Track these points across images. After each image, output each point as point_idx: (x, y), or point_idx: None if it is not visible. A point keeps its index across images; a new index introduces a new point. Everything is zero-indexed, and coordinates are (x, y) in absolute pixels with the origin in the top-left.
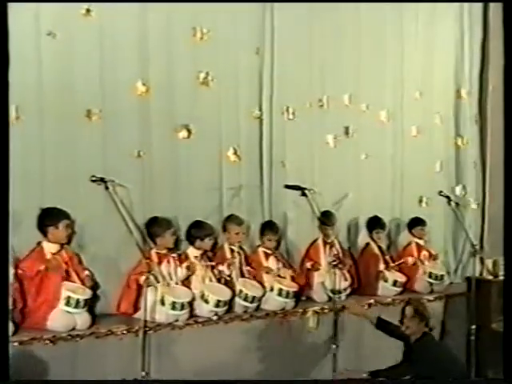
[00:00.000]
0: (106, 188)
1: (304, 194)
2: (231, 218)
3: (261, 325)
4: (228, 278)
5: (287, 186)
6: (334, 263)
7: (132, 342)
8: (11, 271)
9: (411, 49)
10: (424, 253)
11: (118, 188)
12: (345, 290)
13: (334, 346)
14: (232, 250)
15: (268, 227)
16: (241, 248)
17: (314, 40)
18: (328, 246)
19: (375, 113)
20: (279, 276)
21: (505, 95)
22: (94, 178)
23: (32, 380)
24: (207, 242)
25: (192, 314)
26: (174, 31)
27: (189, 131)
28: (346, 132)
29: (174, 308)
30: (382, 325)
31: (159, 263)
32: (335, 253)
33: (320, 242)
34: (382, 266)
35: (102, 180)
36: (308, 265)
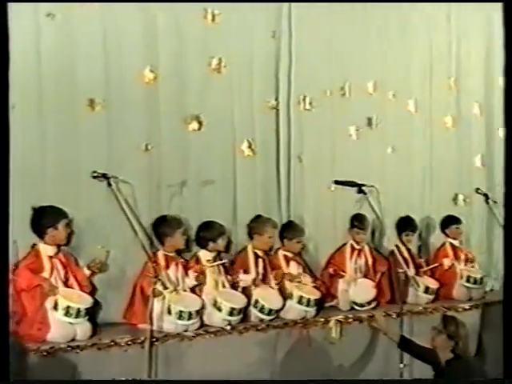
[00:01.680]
0: (109, 185)
1: (361, 192)
2: (264, 220)
3: (278, 335)
4: (247, 286)
5: (338, 182)
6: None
7: (138, 354)
8: None
9: (441, 32)
10: (460, 254)
11: (122, 185)
12: (369, 302)
13: (401, 365)
14: (256, 256)
15: (291, 228)
16: (265, 253)
17: (336, 22)
18: (356, 252)
19: (402, 101)
20: (299, 282)
21: (505, 95)
22: (95, 174)
23: (32, 380)
24: (221, 243)
25: (203, 324)
26: (184, 13)
27: (199, 123)
28: (370, 123)
29: (180, 317)
30: (405, 345)
31: (167, 267)
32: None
33: (348, 246)
34: (412, 271)
35: (105, 176)
36: (331, 270)
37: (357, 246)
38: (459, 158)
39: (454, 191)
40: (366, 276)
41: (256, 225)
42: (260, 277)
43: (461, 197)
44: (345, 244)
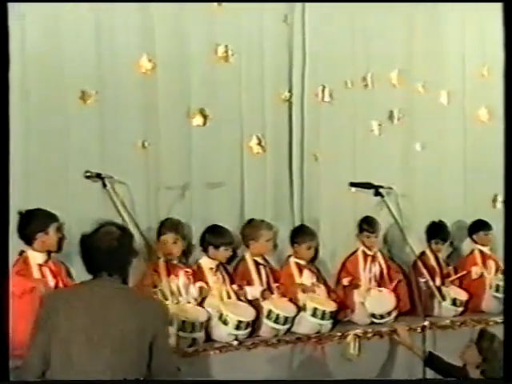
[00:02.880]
0: (104, 186)
1: (379, 194)
2: (257, 223)
3: (291, 351)
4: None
5: (353, 184)
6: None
7: None
8: None
9: (472, 16)
10: (490, 263)
11: (118, 185)
12: (389, 313)
13: None
14: (257, 263)
15: (303, 233)
16: (265, 260)
17: (356, 6)
18: (370, 259)
19: (433, 93)
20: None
21: (505, 95)
22: (88, 174)
23: (32, 380)
24: (222, 252)
25: (208, 338)
26: None
27: (204, 117)
28: (396, 117)
29: (184, 330)
30: (432, 361)
31: (168, 275)
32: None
33: (359, 253)
34: (438, 281)
35: (99, 176)
36: (345, 281)
37: (369, 252)
38: (497, 154)
39: (493, 192)
40: (380, 285)
41: (249, 231)
42: (265, 286)
43: (500, 198)
44: (355, 251)
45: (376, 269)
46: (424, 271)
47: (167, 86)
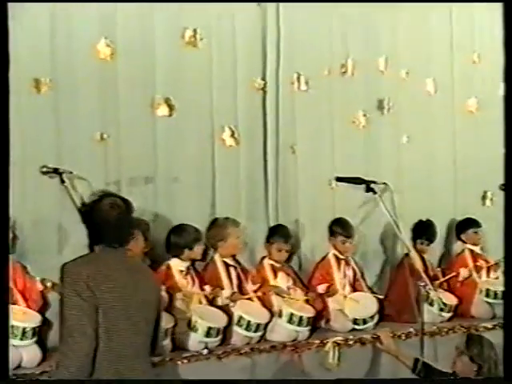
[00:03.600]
0: (62, 182)
1: (370, 190)
2: (222, 222)
3: (265, 360)
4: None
5: (340, 179)
6: None
7: None
8: None
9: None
10: (481, 263)
11: (77, 181)
12: (372, 317)
13: None
14: (226, 264)
15: (278, 233)
16: (236, 261)
17: None
18: (343, 263)
19: (418, 81)
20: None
21: (505, 95)
22: (45, 169)
23: (32, 380)
24: (197, 250)
25: (175, 347)
26: None
27: (170, 107)
28: (380, 107)
29: None
30: (420, 370)
31: None
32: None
33: (331, 258)
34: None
35: (56, 171)
36: (320, 289)
37: (341, 256)
38: (488, 148)
39: (482, 188)
40: (355, 290)
41: (215, 232)
42: (235, 289)
43: (489, 195)
44: (325, 256)
45: (350, 273)
46: (423, 275)
47: (128, 73)
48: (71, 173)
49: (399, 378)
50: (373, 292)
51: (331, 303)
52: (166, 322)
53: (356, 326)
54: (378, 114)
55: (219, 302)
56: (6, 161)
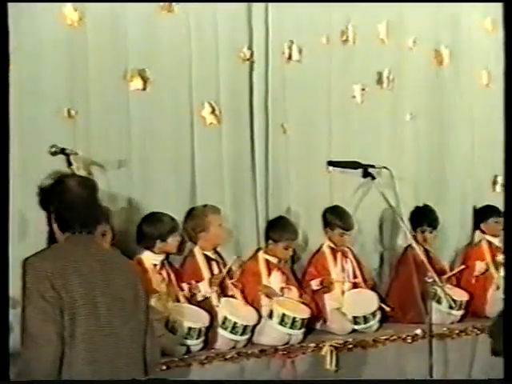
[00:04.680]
0: (69, 164)
1: (368, 175)
2: (200, 211)
3: (253, 366)
4: (206, 297)
5: (333, 163)
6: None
7: None
8: None
9: None
10: (500, 258)
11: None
12: (374, 315)
13: None
14: (208, 258)
15: (280, 227)
16: (218, 254)
17: None
18: (340, 255)
19: (426, 51)
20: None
21: (505, 95)
22: (54, 150)
23: (32, 380)
24: (171, 242)
25: None
26: None
27: (144, 80)
28: (381, 80)
29: None
30: None
31: None
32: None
33: (326, 249)
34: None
35: (63, 152)
36: (314, 285)
37: (337, 248)
38: (498, 125)
39: (493, 172)
40: (355, 286)
41: (193, 223)
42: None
43: (500, 180)
44: (321, 247)
45: (348, 266)
46: (429, 268)
47: (98, 41)
48: (76, 154)
49: None
50: (373, 289)
51: (328, 301)
52: None
53: (356, 326)
54: (379, 87)
55: (199, 297)
56: (6, 161)
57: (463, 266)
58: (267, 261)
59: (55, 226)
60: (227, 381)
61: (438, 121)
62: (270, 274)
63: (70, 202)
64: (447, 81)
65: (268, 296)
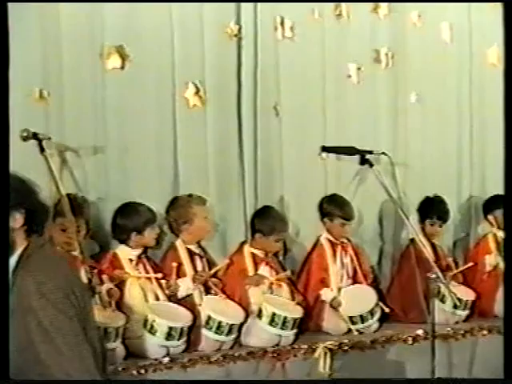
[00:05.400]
0: (42, 150)
1: (366, 162)
2: (185, 201)
3: (240, 370)
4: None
5: (327, 149)
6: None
7: None
8: None
9: None
10: None
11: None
12: (372, 313)
13: None
14: (191, 253)
15: (269, 218)
16: (202, 249)
17: None
18: (339, 249)
19: (431, 27)
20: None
21: (505, 95)
22: (25, 134)
23: (32, 380)
24: (148, 235)
25: (129, 353)
26: None
27: (122, 57)
28: (383, 59)
29: None
30: None
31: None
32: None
33: (324, 242)
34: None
35: (35, 137)
36: (324, 296)
37: (336, 241)
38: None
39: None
40: (355, 282)
41: (177, 213)
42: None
43: None
44: (318, 239)
45: (348, 261)
46: (433, 264)
47: (72, 14)
48: (50, 139)
49: None
50: (376, 286)
51: (325, 298)
52: (116, 320)
53: (352, 326)
54: (374, 67)
55: (180, 294)
56: (6, 160)
57: (471, 264)
58: (253, 254)
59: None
60: (228, 381)
61: (444, 103)
62: (257, 268)
63: (38, 202)
64: (454, 59)
65: (257, 285)
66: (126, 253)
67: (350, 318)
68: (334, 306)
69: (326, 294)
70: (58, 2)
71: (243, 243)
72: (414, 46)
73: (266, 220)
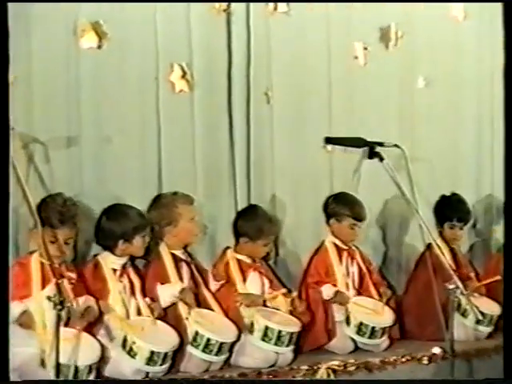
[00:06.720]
0: None
1: (374, 155)
2: (169, 200)
3: None
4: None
5: (331, 140)
6: None
7: None
8: None
9: None
10: None
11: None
12: (383, 332)
13: None
14: (176, 259)
15: (254, 220)
16: (189, 254)
17: None
18: (345, 255)
19: (441, 4)
20: (265, 305)
21: (505, 95)
22: None
23: (32, 380)
24: (137, 243)
25: (100, 377)
26: None
27: (99, 35)
28: (387, 38)
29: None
30: None
31: (43, 284)
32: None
33: (329, 247)
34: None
35: None
36: (325, 293)
37: (342, 245)
38: None
39: None
40: (360, 293)
41: (159, 213)
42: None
43: None
44: (322, 243)
45: (354, 269)
46: (453, 273)
47: None
48: (13, 129)
49: None
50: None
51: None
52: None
53: (359, 339)
54: (381, 47)
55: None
56: (6, 160)
57: (497, 278)
58: (239, 261)
59: None
60: (228, 381)
61: (455, 86)
62: (244, 277)
63: None
64: (466, 39)
65: (246, 304)
66: (109, 261)
67: (359, 327)
68: (339, 301)
69: (327, 291)
70: (60, 2)
71: (226, 248)
72: (420, 24)
73: (251, 221)
